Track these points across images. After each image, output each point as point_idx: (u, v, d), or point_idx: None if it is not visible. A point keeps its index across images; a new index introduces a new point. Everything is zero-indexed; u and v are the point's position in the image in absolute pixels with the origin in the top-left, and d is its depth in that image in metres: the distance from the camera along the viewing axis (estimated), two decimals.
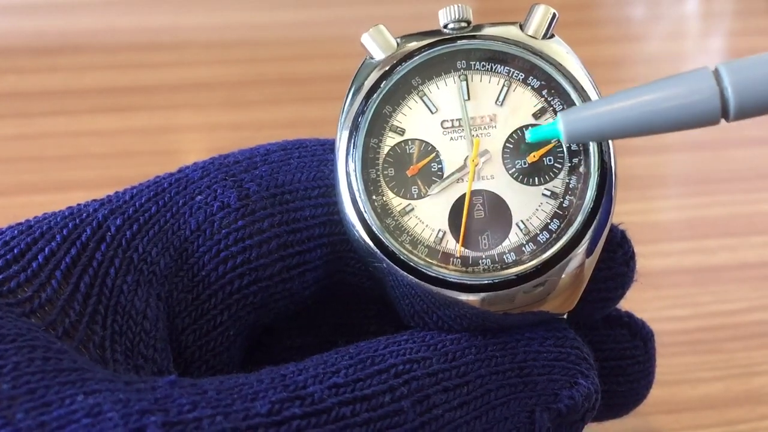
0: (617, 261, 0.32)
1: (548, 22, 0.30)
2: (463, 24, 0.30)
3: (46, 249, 0.27)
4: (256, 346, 0.32)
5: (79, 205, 0.29)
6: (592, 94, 0.29)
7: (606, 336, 0.33)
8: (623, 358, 0.33)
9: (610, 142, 0.29)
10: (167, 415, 0.22)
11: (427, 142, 0.29)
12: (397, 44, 0.30)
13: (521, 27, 0.30)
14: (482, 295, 0.27)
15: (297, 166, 0.31)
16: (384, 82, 0.29)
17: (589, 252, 0.28)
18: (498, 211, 0.29)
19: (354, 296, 0.32)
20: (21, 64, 0.80)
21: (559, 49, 0.30)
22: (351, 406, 0.25)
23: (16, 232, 0.27)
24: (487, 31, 0.30)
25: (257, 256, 0.29)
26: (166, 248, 0.28)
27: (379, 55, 0.30)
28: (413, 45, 0.30)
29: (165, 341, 0.28)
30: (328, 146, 0.32)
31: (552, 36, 0.30)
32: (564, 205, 0.28)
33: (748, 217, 0.62)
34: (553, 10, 0.30)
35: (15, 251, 0.26)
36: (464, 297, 0.27)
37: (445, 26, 0.30)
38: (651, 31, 0.93)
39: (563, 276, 0.28)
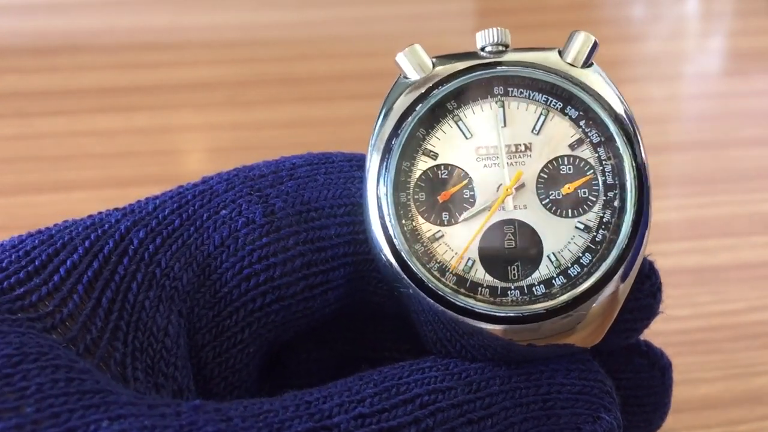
0: (644, 293, 0.31)
1: (588, 49, 0.29)
2: (501, 48, 0.29)
3: (68, 261, 0.26)
4: (272, 359, 0.32)
5: (100, 213, 0.28)
6: (628, 127, 0.28)
7: (625, 365, 0.33)
8: (640, 388, 0.33)
9: (648, 176, 0.28)
10: None
11: (460, 168, 0.28)
12: (432, 65, 0.29)
13: (560, 53, 0.29)
14: (507, 328, 0.27)
15: (323, 183, 0.30)
16: (420, 105, 0.29)
17: (619, 287, 0.28)
18: (529, 241, 0.28)
19: (373, 314, 0.32)
20: (21, 64, 0.80)
21: (597, 79, 0.29)
22: None
23: (36, 241, 0.27)
24: (526, 56, 0.29)
25: (281, 274, 0.28)
26: (189, 263, 0.28)
27: (413, 75, 0.29)
28: (449, 67, 0.29)
29: (185, 359, 0.27)
30: (356, 162, 0.31)
31: (591, 64, 0.29)
32: (597, 239, 0.28)
33: (748, 217, 0.62)
34: (593, 38, 0.29)
35: (36, 263, 0.26)
36: (489, 326, 0.27)
37: (482, 49, 0.30)
38: (651, 31, 0.93)
39: (591, 310, 0.27)
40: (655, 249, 0.59)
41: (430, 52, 0.30)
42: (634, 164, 0.28)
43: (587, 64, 0.29)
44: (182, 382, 0.27)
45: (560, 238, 0.28)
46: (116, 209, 0.29)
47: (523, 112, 0.29)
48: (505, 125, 0.29)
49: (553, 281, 0.28)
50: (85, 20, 0.87)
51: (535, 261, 0.28)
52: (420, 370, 0.27)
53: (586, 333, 0.28)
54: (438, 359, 0.28)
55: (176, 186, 0.30)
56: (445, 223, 0.28)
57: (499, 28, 0.29)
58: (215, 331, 0.28)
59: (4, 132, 0.70)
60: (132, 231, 0.27)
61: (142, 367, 0.26)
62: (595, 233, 0.28)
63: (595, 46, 0.29)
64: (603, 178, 0.28)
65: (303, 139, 0.70)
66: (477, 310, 0.27)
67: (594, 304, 0.27)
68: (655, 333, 0.35)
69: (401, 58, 0.29)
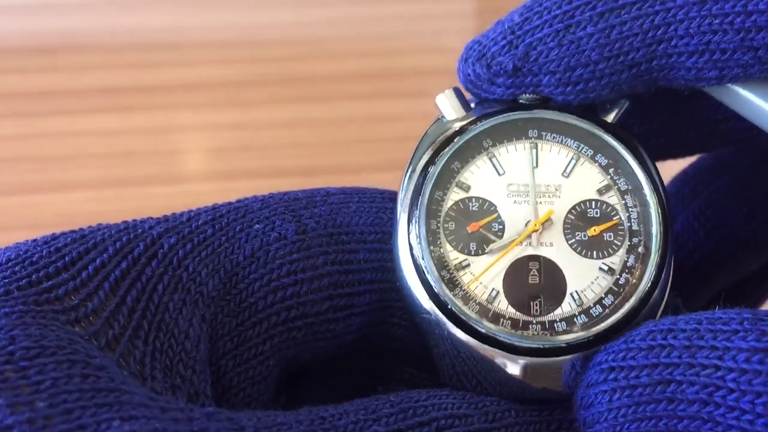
0: None
1: (619, 108, 0.30)
2: (538, 101, 0.30)
3: (98, 260, 0.26)
4: (289, 380, 0.32)
5: (135, 220, 0.29)
6: (656, 178, 0.29)
7: None
8: None
9: (672, 226, 0.29)
10: None
11: (490, 202, 0.29)
12: (471, 109, 0.30)
13: (593, 110, 0.30)
14: (527, 363, 0.27)
15: (356, 210, 0.31)
16: (457, 138, 0.30)
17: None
18: (553, 278, 0.28)
19: (394, 349, 0.32)
20: (21, 64, 0.80)
21: (627, 134, 0.30)
22: None
23: (69, 239, 0.27)
24: (561, 109, 0.30)
25: (307, 291, 0.29)
26: (217, 270, 0.28)
27: (451, 115, 0.30)
28: (487, 109, 0.30)
29: (204, 363, 0.27)
30: (387, 195, 0.32)
31: (619, 124, 0.30)
32: (620, 282, 0.28)
33: None
34: (624, 99, 0.30)
35: (66, 259, 0.26)
36: (510, 369, 0.27)
37: (519, 99, 0.31)
38: None
39: None
40: None
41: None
42: (660, 212, 0.29)
43: (616, 120, 0.30)
44: (199, 386, 0.27)
45: (584, 277, 0.28)
46: (150, 217, 0.29)
47: (555, 155, 0.30)
48: (537, 166, 0.30)
49: (575, 319, 0.28)
50: (85, 20, 0.87)
51: (558, 298, 0.28)
52: (437, 396, 0.27)
53: None
54: (454, 390, 0.28)
55: (211, 204, 0.30)
56: (473, 252, 0.29)
57: None
58: (237, 340, 0.28)
59: (4, 132, 0.71)
60: (164, 237, 0.28)
61: (161, 367, 0.26)
62: (618, 276, 0.28)
63: (625, 106, 0.30)
64: (629, 224, 0.29)
65: (303, 139, 0.70)
66: (499, 338, 0.27)
67: None
68: None
69: (441, 100, 0.30)
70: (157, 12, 0.88)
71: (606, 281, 0.28)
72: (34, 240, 0.27)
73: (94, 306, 0.25)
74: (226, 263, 0.28)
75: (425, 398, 0.27)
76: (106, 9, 0.89)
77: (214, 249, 0.28)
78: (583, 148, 0.30)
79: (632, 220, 0.29)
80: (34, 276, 0.26)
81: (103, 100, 0.75)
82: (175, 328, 0.26)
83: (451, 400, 0.27)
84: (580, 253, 0.29)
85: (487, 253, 0.29)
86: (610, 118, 0.30)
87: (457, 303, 0.28)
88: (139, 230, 0.28)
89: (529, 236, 0.29)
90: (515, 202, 0.29)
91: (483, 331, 0.27)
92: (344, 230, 0.30)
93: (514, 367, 0.27)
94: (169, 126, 0.72)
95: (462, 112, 0.30)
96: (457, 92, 0.30)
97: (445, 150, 0.29)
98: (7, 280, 0.25)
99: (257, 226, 0.29)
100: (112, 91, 0.76)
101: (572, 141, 0.30)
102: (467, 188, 0.29)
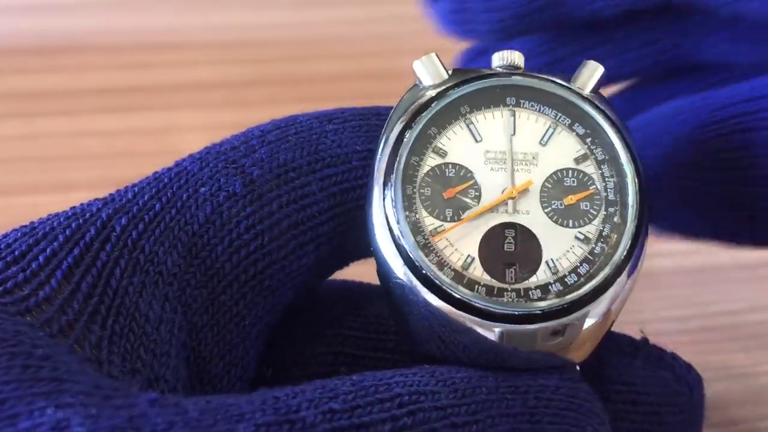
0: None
1: (597, 78, 0.31)
2: (514, 69, 0.31)
3: (48, 249, 0.26)
4: (269, 349, 0.32)
5: (82, 204, 0.29)
6: (633, 149, 0.29)
7: (646, 378, 0.32)
8: (663, 405, 0.31)
9: (649, 197, 0.29)
10: None
11: (467, 168, 0.29)
12: (448, 75, 0.31)
13: (569, 79, 0.31)
14: (501, 332, 0.27)
15: (296, 143, 0.30)
16: (435, 103, 0.30)
17: (612, 305, 0.28)
18: (528, 246, 0.29)
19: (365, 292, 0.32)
20: (21, 64, 0.80)
21: (604, 104, 0.30)
22: None
23: (19, 234, 0.27)
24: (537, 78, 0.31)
25: (270, 239, 0.29)
26: (173, 246, 0.28)
27: (428, 81, 0.30)
28: (464, 75, 0.30)
29: (167, 345, 0.27)
30: (324, 118, 0.32)
31: (598, 92, 0.31)
32: (595, 251, 0.28)
33: None
34: (601, 68, 0.31)
35: (16, 253, 0.26)
36: (483, 329, 0.27)
37: (497, 68, 0.31)
38: None
39: (583, 329, 0.28)
40: (655, 249, 0.59)
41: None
42: (636, 183, 0.29)
43: (594, 91, 0.31)
44: (159, 371, 0.27)
45: (559, 246, 0.29)
46: (96, 199, 0.29)
47: (533, 123, 0.30)
48: (514, 133, 0.30)
49: (550, 287, 0.28)
50: (85, 20, 0.87)
51: (533, 266, 0.28)
52: (403, 375, 0.27)
53: (576, 353, 0.29)
54: (424, 367, 0.28)
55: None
56: (448, 219, 0.29)
57: (513, 51, 0.31)
58: (212, 309, 0.28)
59: (4, 132, 0.70)
60: (114, 218, 0.28)
61: (119, 351, 0.26)
62: (593, 245, 0.29)
63: (602, 75, 0.31)
64: (605, 194, 0.29)
65: None
66: (474, 303, 0.27)
67: (587, 324, 0.28)
68: (655, 333, 0.35)
69: (418, 65, 0.31)
70: (157, 12, 0.88)
71: (581, 250, 0.29)
72: None
73: (45, 294, 0.25)
74: (182, 236, 0.28)
75: (390, 376, 0.26)
76: (106, 9, 0.89)
77: (166, 224, 0.28)
78: (560, 117, 0.30)
79: (608, 190, 0.29)
80: None
81: (103, 100, 0.75)
82: (136, 312, 0.26)
83: (418, 378, 0.26)
84: (556, 222, 0.29)
85: (462, 219, 0.29)
86: (588, 88, 0.30)
87: (432, 268, 0.28)
88: (87, 214, 0.28)
89: (506, 203, 0.29)
90: (492, 169, 0.29)
91: (458, 296, 0.27)
92: (290, 167, 0.30)
93: (488, 337, 0.27)
94: (169, 126, 0.72)
95: (438, 78, 0.30)
96: (435, 59, 0.30)
97: (423, 114, 0.30)
98: None
99: (203, 189, 0.29)
100: (112, 91, 0.76)
101: (550, 110, 0.30)
102: (444, 154, 0.29)
